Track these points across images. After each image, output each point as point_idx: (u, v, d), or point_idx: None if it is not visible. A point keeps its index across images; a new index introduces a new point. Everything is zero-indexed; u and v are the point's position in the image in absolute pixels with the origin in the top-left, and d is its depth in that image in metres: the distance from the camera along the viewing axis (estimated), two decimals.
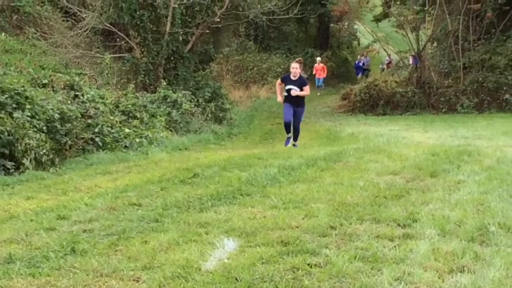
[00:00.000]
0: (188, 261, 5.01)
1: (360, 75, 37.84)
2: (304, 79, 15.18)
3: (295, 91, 14.41)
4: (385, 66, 39.37)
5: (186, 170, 10.02)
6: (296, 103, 14.73)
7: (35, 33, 23.61)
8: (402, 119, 25.52)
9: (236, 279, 4.59)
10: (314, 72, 35.82)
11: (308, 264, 4.90)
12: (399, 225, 6.12)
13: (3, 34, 21.74)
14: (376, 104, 28.83)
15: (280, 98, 14.85)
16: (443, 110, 27.62)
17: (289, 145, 15.18)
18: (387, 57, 38.39)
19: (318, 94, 34.32)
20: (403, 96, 28.53)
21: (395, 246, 5.37)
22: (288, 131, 15.22)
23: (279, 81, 15.12)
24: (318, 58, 36.96)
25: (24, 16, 24.06)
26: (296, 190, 7.98)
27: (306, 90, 14.71)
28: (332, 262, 4.93)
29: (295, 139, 15.31)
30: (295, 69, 14.61)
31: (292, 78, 14.59)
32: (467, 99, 27.37)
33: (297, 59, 15.32)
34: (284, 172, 9.30)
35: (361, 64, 38.39)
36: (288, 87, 14.56)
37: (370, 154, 11.27)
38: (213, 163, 10.75)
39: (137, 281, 4.70)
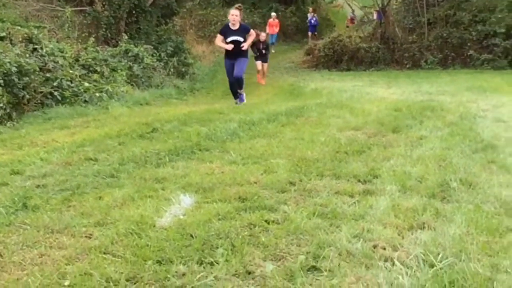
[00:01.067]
0: (142, 217, 4.87)
1: (312, 32, 37.47)
2: (246, 26, 14.22)
3: (245, 45, 13.52)
4: (348, 23, 39.09)
5: (145, 125, 9.84)
6: (237, 54, 13.60)
7: None
8: (366, 75, 25.52)
9: (191, 235, 4.46)
10: (267, 31, 34.99)
11: (266, 221, 4.79)
12: (359, 181, 6.06)
13: None
14: (340, 59, 28.78)
15: (229, 46, 13.47)
16: (407, 66, 27.73)
17: (244, 101, 14.26)
18: (350, 13, 38.14)
19: (273, 51, 33.81)
20: (367, 51, 28.52)
21: (354, 203, 5.29)
22: (235, 95, 14.43)
23: (218, 36, 13.85)
24: (273, 14, 36.40)
25: None
26: (256, 145, 7.87)
27: (252, 35, 13.86)
28: (290, 218, 4.84)
29: (240, 87, 14.15)
30: (235, 16, 13.42)
31: (232, 27, 13.53)
32: (431, 55, 27.48)
33: (236, 6, 13.85)
34: (244, 127, 9.20)
35: (312, 21, 37.94)
36: (230, 38, 13.52)
37: (332, 109, 11.24)
38: (173, 118, 10.62)
39: (89, 237, 4.55)
